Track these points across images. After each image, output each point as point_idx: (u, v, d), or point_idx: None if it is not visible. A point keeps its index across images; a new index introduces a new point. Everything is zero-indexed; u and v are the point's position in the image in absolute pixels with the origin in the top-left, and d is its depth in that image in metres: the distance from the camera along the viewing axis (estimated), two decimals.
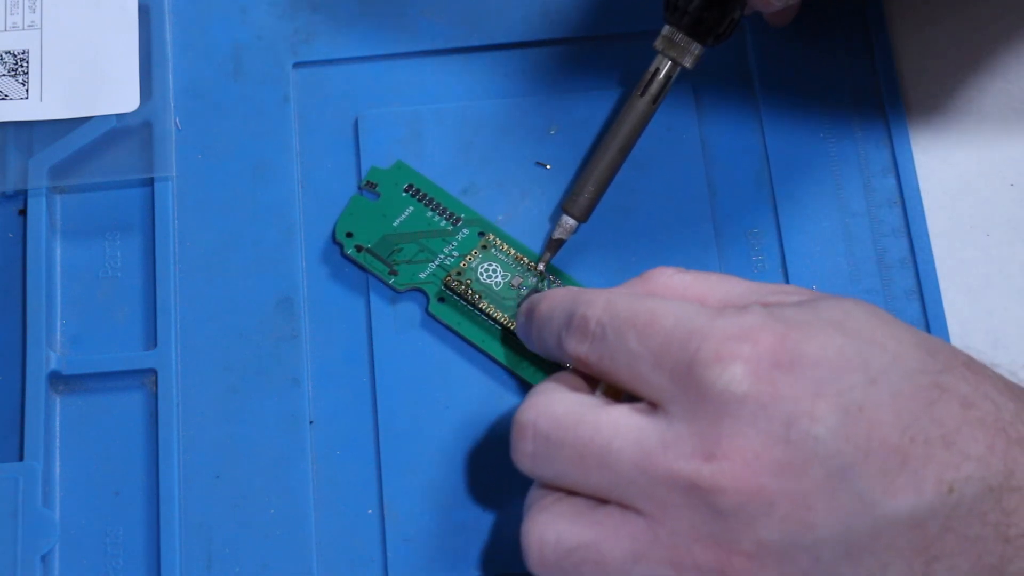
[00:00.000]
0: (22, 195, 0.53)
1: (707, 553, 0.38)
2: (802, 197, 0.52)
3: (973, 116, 0.54)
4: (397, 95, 0.54)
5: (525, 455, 0.41)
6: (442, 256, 0.51)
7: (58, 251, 0.52)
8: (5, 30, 0.55)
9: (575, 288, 0.45)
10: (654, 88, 0.49)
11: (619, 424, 0.39)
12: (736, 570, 0.38)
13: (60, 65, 0.54)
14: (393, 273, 0.51)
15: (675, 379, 0.39)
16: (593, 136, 0.53)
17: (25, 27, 0.55)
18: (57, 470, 0.49)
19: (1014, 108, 0.54)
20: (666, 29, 0.49)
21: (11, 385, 0.50)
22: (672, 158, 0.53)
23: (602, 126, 0.53)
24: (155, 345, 0.50)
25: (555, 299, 0.44)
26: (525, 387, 0.49)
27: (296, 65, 0.55)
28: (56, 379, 0.50)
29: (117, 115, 0.53)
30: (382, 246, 0.51)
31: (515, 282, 0.50)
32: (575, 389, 0.42)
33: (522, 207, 0.52)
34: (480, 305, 0.50)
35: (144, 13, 0.55)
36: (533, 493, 0.42)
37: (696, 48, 0.48)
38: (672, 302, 0.40)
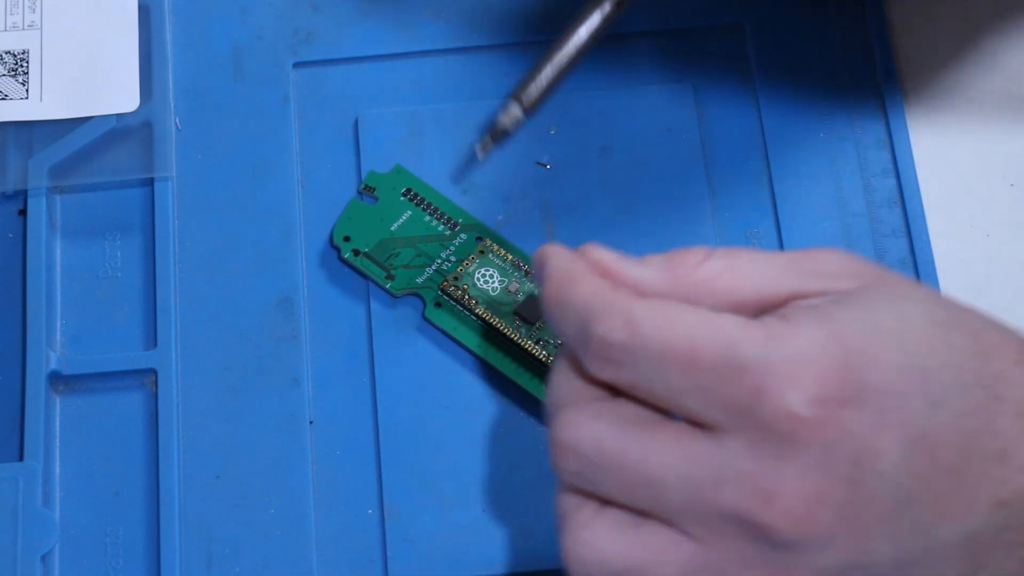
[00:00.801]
0: (22, 195, 0.53)
1: None
2: (802, 197, 0.52)
3: (973, 116, 0.53)
4: (397, 95, 0.54)
5: (567, 473, 0.39)
6: (439, 261, 0.51)
7: (58, 251, 0.52)
8: (5, 30, 0.55)
9: (576, 274, 0.40)
10: None
11: (669, 454, 0.37)
12: None
13: (60, 65, 0.54)
14: (390, 278, 0.51)
15: (729, 415, 0.36)
16: (593, 136, 0.53)
17: (25, 27, 0.55)
18: (57, 470, 0.49)
19: (1014, 108, 0.54)
20: None
21: (11, 385, 0.50)
22: (672, 158, 0.53)
23: (600, 125, 0.53)
24: (155, 345, 0.50)
25: (557, 296, 0.39)
26: (525, 389, 0.49)
27: (296, 65, 0.55)
28: (56, 379, 0.50)
29: (117, 115, 0.53)
30: (379, 250, 0.51)
31: (512, 287, 0.50)
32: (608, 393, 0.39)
33: (522, 207, 0.52)
34: (476, 310, 0.50)
35: (144, 13, 0.55)
36: (567, 501, 0.39)
37: None
38: (706, 319, 0.37)
